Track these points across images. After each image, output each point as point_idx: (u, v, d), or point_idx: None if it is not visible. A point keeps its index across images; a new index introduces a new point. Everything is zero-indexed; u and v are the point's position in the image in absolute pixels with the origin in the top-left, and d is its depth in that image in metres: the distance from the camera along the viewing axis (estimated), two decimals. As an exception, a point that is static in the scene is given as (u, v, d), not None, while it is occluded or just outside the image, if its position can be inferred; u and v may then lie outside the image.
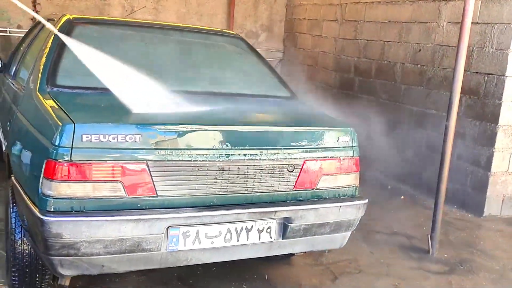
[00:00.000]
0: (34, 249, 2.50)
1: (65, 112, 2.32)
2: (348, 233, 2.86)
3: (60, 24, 3.18)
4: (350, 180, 2.78)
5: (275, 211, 2.55)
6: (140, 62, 3.07)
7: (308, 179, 2.64)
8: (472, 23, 3.56)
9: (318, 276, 3.31)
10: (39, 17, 3.00)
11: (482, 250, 3.97)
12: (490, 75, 4.59)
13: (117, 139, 2.21)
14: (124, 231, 2.24)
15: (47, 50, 2.94)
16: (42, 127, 2.37)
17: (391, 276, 3.41)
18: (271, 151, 2.52)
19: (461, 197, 4.86)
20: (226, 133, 2.44)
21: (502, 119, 4.53)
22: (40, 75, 2.79)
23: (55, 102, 2.50)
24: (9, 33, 6.82)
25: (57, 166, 2.15)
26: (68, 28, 3.11)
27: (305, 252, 3.19)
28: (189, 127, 2.39)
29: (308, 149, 2.62)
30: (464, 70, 3.62)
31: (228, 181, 2.45)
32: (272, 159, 2.53)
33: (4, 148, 3.24)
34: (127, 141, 2.23)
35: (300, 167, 2.61)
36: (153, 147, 2.28)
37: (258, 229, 2.54)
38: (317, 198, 2.68)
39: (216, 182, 2.43)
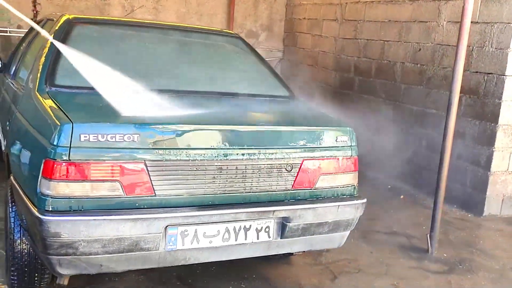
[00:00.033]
0: (33, 249, 2.51)
1: (63, 112, 2.33)
2: (347, 233, 2.86)
3: (59, 24, 3.19)
4: (348, 179, 2.78)
5: (274, 211, 2.55)
6: (139, 61, 3.09)
7: (306, 179, 2.64)
8: (472, 22, 3.56)
9: (317, 276, 3.31)
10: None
11: (482, 250, 3.97)
12: (490, 75, 4.59)
13: (115, 139, 2.22)
14: (122, 231, 2.24)
15: (46, 50, 2.94)
16: (40, 127, 2.38)
17: (390, 276, 3.41)
18: (269, 150, 2.53)
19: (461, 197, 4.86)
20: (224, 133, 2.44)
21: (502, 118, 4.52)
22: (39, 75, 2.79)
23: (54, 101, 2.51)
24: (9, 33, 6.83)
25: (55, 165, 2.16)
26: (67, 28, 3.12)
27: (304, 251, 3.19)
28: (187, 127, 2.39)
29: (306, 149, 2.62)
30: (464, 70, 3.63)
31: (226, 181, 2.45)
32: (270, 158, 2.53)
33: (3, 148, 3.24)
34: (125, 140, 2.23)
35: (299, 166, 2.61)
36: (151, 147, 2.29)
37: (257, 229, 2.54)
38: (315, 198, 2.68)
39: (214, 181, 2.43)
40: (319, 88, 7.31)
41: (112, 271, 2.43)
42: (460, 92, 3.62)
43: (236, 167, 2.46)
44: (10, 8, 2.87)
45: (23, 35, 4.49)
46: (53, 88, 2.71)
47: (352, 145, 2.77)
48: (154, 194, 2.31)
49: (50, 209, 2.17)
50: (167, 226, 2.34)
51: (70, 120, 2.21)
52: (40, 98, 2.60)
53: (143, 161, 2.27)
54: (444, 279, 3.44)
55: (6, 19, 6.85)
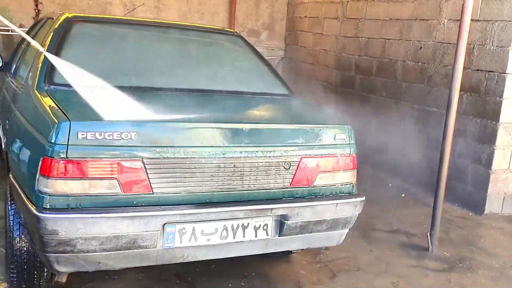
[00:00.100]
0: (31, 246, 2.51)
1: (61, 110, 2.33)
2: (345, 231, 2.85)
3: (58, 22, 3.20)
4: (347, 177, 2.77)
5: (271, 208, 2.55)
6: (137, 60, 3.09)
7: (304, 177, 2.64)
8: (472, 20, 3.55)
9: (316, 274, 3.30)
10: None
11: (482, 248, 3.96)
12: (491, 73, 4.57)
13: (113, 137, 2.22)
14: (120, 228, 2.24)
15: (45, 48, 2.94)
16: (38, 125, 2.39)
17: (390, 274, 3.40)
18: (267, 148, 2.52)
19: (462, 195, 4.85)
20: (222, 131, 2.44)
21: (503, 116, 4.51)
22: (38, 73, 2.80)
23: (52, 100, 2.51)
24: (11, 32, 6.84)
25: (53, 163, 2.16)
26: (67, 26, 3.13)
27: (303, 249, 3.19)
28: (185, 125, 2.40)
29: (304, 147, 2.62)
30: (465, 68, 3.62)
31: (224, 179, 2.45)
32: (268, 156, 2.53)
33: (3, 146, 3.25)
34: (122, 138, 2.23)
35: (297, 164, 2.60)
36: (149, 145, 2.29)
37: (255, 226, 2.54)
38: (313, 196, 2.68)
39: (212, 179, 2.43)
40: (320, 87, 7.30)
41: (110, 268, 2.43)
42: (461, 90, 3.62)
43: (234, 165, 2.46)
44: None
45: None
46: (52, 86, 2.72)
47: (351, 143, 2.76)
48: (151, 192, 2.31)
49: (48, 206, 2.17)
50: (165, 224, 2.34)
51: (67, 118, 2.21)
52: (39, 96, 2.60)
53: (140, 159, 2.27)
54: (444, 277, 3.43)
55: (8, 18, 6.85)
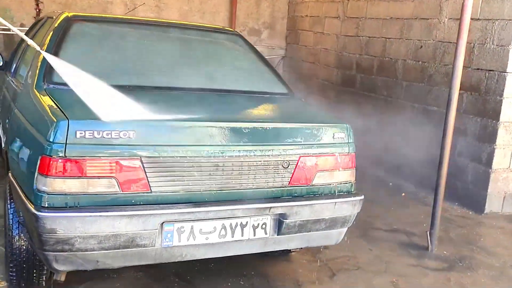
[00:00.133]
0: (30, 245, 2.52)
1: (60, 109, 2.34)
2: (344, 230, 2.85)
3: (58, 21, 3.20)
4: (346, 176, 2.77)
5: (270, 207, 2.55)
6: (136, 59, 3.09)
7: (303, 175, 2.64)
8: (473, 19, 3.55)
9: (316, 273, 3.30)
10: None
11: (482, 247, 3.95)
12: (491, 72, 4.57)
13: (111, 135, 2.22)
14: (118, 227, 2.25)
15: (44, 47, 2.95)
16: (37, 124, 2.39)
17: (389, 273, 3.40)
18: (266, 147, 2.52)
19: (462, 194, 4.84)
20: (221, 130, 2.44)
21: (503, 115, 4.51)
22: (37, 72, 2.81)
23: (51, 98, 2.52)
24: (12, 31, 6.84)
25: (51, 162, 2.17)
26: (66, 25, 3.13)
27: (301, 248, 3.19)
28: (183, 124, 2.40)
29: (303, 146, 2.62)
30: (465, 67, 3.60)
31: (223, 177, 2.45)
32: (267, 155, 2.53)
33: (3, 145, 3.26)
34: (121, 137, 2.24)
35: (295, 163, 2.60)
36: (147, 144, 2.29)
37: (253, 225, 2.55)
38: (312, 194, 2.68)
39: (210, 178, 2.43)
40: (321, 86, 7.31)
41: (109, 267, 2.43)
42: (462, 89, 3.61)
43: (233, 164, 2.46)
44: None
45: (24, 33, 4.50)
46: (51, 85, 2.72)
47: (350, 141, 2.76)
48: (150, 191, 2.32)
49: (46, 205, 2.18)
50: (163, 222, 2.34)
51: (66, 117, 2.22)
52: (38, 95, 2.61)
53: (139, 157, 2.27)
54: (443, 276, 3.43)
55: (9, 18, 6.87)
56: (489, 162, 4.60)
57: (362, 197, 2.80)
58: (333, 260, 3.49)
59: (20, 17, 6.95)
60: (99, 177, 2.23)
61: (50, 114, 2.30)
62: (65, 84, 2.73)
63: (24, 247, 2.58)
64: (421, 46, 5.40)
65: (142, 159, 2.28)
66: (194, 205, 2.40)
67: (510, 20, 4.38)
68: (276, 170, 2.57)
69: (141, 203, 2.31)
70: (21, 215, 2.48)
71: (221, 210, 2.46)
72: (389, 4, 5.91)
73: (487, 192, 4.63)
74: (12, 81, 3.47)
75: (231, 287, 3.03)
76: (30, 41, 2.82)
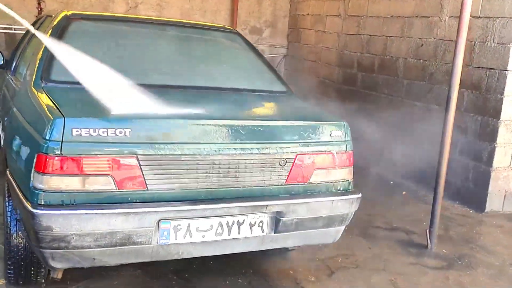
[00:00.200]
0: (27, 242, 2.53)
1: (56, 107, 2.34)
2: (342, 228, 2.85)
3: (57, 20, 3.21)
4: (343, 174, 2.76)
5: (267, 205, 2.55)
6: (134, 57, 3.10)
7: (300, 174, 2.63)
8: (474, 17, 3.54)
9: (314, 271, 3.30)
10: (26, 23, 2.98)
11: (482, 246, 3.94)
12: (492, 70, 4.55)
13: (107, 133, 2.23)
14: (114, 225, 2.25)
15: (43, 46, 2.96)
16: (34, 122, 2.40)
17: (388, 271, 3.39)
18: (263, 145, 2.52)
19: (463, 193, 4.83)
20: (217, 127, 2.44)
21: (504, 114, 4.49)
22: (35, 70, 2.82)
23: (48, 96, 2.52)
24: (14, 30, 6.87)
25: (47, 159, 2.17)
26: (65, 23, 3.14)
27: (299, 246, 3.19)
28: (180, 121, 2.40)
29: (300, 144, 2.62)
30: (466, 65, 3.59)
31: (220, 175, 2.45)
32: (264, 153, 2.53)
33: (2, 143, 3.27)
34: (117, 135, 2.24)
35: (292, 161, 2.60)
36: (144, 141, 2.29)
37: (250, 223, 2.54)
38: (309, 193, 2.67)
39: (207, 176, 2.43)
40: (322, 84, 7.30)
41: (105, 264, 2.44)
42: (462, 88, 3.60)
43: (229, 162, 2.46)
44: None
45: (24, 33, 4.52)
46: (49, 84, 2.73)
47: (347, 139, 2.75)
48: (146, 189, 2.32)
49: (43, 203, 2.19)
50: (159, 220, 2.35)
51: (62, 114, 2.22)
52: (35, 93, 2.62)
53: (135, 155, 2.28)
54: (442, 275, 3.42)
55: (11, 17, 6.87)
56: (489, 161, 4.59)
57: (360, 195, 2.80)
58: (332, 258, 3.48)
59: (22, 15, 6.85)
60: (95, 175, 2.23)
61: (46, 112, 2.31)
62: (63, 82, 2.75)
63: (22, 245, 2.59)
64: (422, 44, 5.39)
65: (138, 156, 2.28)
66: (191, 203, 2.40)
67: (510, 18, 4.36)
68: (273, 168, 2.57)
69: (137, 200, 2.31)
70: (19, 213, 2.49)
71: (217, 208, 2.46)
72: (390, 2, 5.89)
73: (487, 191, 4.61)
74: (11, 79, 3.48)
75: (229, 285, 3.04)
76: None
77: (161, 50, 3.28)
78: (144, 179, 2.31)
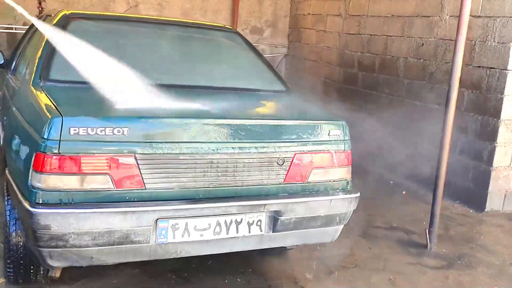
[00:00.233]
0: (26, 241, 2.53)
1: (54, 106, 2.35)
2: (340, 227, 2.85)
3: (56, 19, 3.22)
4: (341, 173, 2.76)
5: (265, 204, 2.55)
6: (133, 56, 3.09)
7: (298, 173, 2.63)
8: (474, 16, 3.53)
9: (313, 270, 3.30)
10: (31, 17, 2.99)
11: (482, 245, 3.94)
12: (492, 69, 4.54)
13: (105, 132, 2.23)
14: (112, 223, 2.26)
15: (42, 45, 2.97)
16: (33, 121, 2.40)
17: (387, 271, 3.39)
18: (261, 144, 2.52)
19: (463, 192, 4.82)
20: (216, 126, 2.44)
21: (504, 113, 4.48)
22: (34, 69, 2.82)
23: (47, 96, 2.53)
24: (15, 30, 6.89)
25: (45, 158, 2.18)
26: (64, 23, 3.14)
27: (298, 245, 3.19)
28: (178, 120, 2.40)
29: (298, 143, 2.62)
30: (466, 64, 3.58)
31: (218, 174, 2.45)
32: (262, 152, 2.53)
33: (1, 142, 3.28)
34: (115, 134, 2.24)
35: (290, 160, 2.60)
36: (141, 140, 2.30)
37: (248, 222, 2.54)
38: (307, 192, 2.67)
39: (205, 175, 2.43)
40: (323, 84, 7.30)
41: (103, 263, 2.44)
42: (463, 87, 3.59)
43: (227, 161, 2.46)
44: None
45: (24, 32, 4.53)
46: (48, 83, 2.73)
47: (345, 139, 2.75)
48: (144, 188, 2.32)
49: (41, 201, 2.19)
50: (157, 219, 2.35)
51: (60, 113, 2.23)
52: (34, 92, 2.62)
53: (133, 154, 2.28)
54: (442, 274, 3.42)
55: (12, 16, 6.91)
56: (490, 160, 4.58)
57: (358, 194, 2.80)
58: (331, 257, 3.48)
59: (22, 15, 6.96)
60: (93, 174, 2.23)
61: (45, 111, 2.31)
62: (61, 81, 2.76)
63: (21, 244, 2.59)
64: (423, 44, 5.38)
65: (136, 155, 2.29)
66: (189, 202, 2.40)
67: (511, 17, 4.35)
68: (271, 167, 2.57)
69: (135, 199, 2.31)
70: (17, 212, 2.49)
71: (215, 207, 2.46)
72: (391, 2, 5.89)
73: (487, 190, 4.61)
74: (11, 78, 3.49)
75: (228, 284, 3.04)
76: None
77: (161, 50, 3.28)
78: (142, 178, 2.31)
